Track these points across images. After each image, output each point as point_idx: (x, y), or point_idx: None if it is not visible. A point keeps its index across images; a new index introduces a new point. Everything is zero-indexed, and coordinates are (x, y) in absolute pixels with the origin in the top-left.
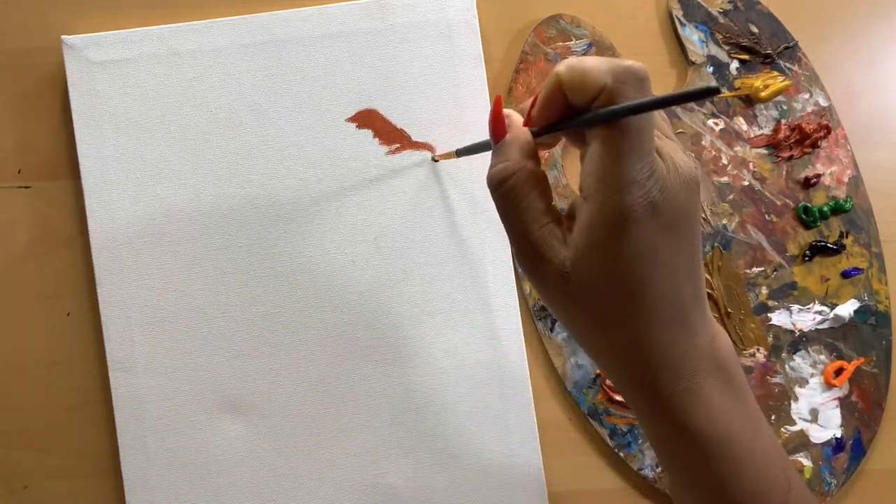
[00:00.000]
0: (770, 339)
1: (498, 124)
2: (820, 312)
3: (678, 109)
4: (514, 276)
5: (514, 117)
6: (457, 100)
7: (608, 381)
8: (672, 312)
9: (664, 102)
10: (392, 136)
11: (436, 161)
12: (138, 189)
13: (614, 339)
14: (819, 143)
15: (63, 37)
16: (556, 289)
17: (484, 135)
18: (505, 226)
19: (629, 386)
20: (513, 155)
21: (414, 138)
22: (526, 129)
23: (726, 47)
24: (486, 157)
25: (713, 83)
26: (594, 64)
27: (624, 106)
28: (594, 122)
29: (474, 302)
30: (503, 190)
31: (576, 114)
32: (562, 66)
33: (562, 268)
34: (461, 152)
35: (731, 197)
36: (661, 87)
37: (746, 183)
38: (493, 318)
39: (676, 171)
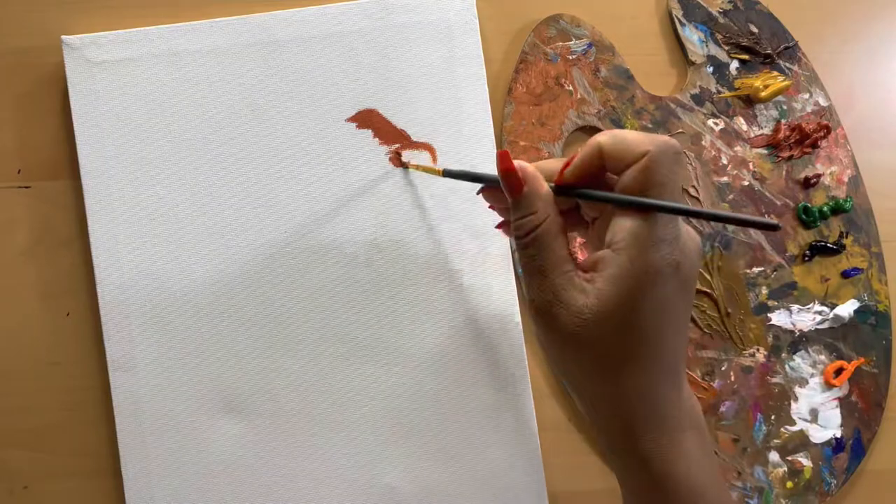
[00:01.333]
0: (770, 339)
1: (514, 179)
2: (820, 312)
3: (679, 109)
4: (514, 277)
5: (528, 169)
6: (457, 100)
7: None
8: (670, 366)
9: (696, 214)
10: (392, 136)
11: (405, 167)
12: (138, 189)
13: (615, 388)
14: (819, 143)
15: (63, 37)
16: (569, 335)
17: (480, 142)
18: (526, 272)
19: (617, 436)
20: (538, 206)
21: (414, 138)
22: (542, 179)
23: (726, 47)
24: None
25: (716, 85)
26: (635, 135)
27: (661, 203)
28: (629, 205)
29: (474, 302)
30: (529, 240)
31: (598, 185)
32: (603, 136)
33: (580, 314)
34: (451, 174)
35: (731, 197)
36: (661, 87)
37: (746, 183)
38: (494, 319)
39: (689, 236)
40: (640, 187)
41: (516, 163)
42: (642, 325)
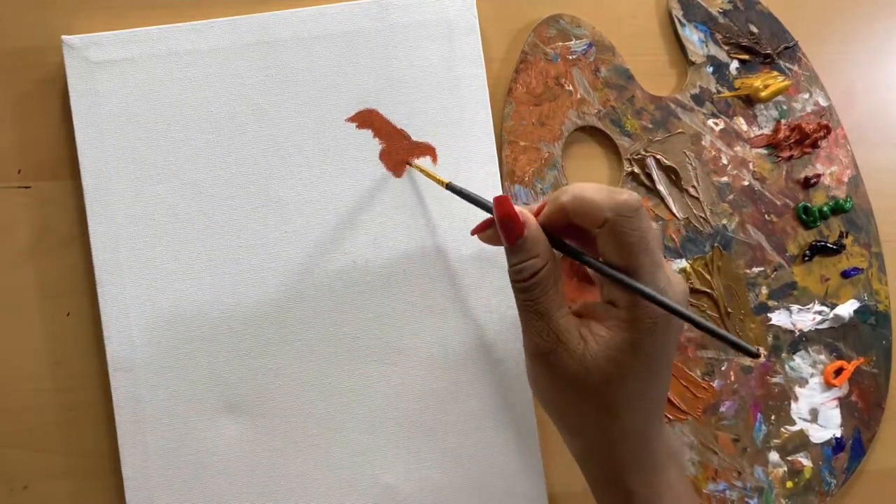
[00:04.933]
0: (770, 339)
1: (515, 223)
2: (820, 312)
3: (679, 109)
4: None
5: (527, 214)
6: (457, 100)
7: None
8: (658, 406)
9: (700, 326)
10: (392, 136)
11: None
12: (138, 189)
13: (612, 431)
14: (819, 143)
15: (63, 37)
16: (570, 379)
17: (480, 142)
18: (525, 316)
19: (608, 472)
20: (540, 251)
21: (414, 138)
22: (538, 226)
23: (726, 47)
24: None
25: (716, 85)
26: (594, 196)
27: (651, 294)
28: (608, 276)
29: (475, 301)
30: (531, 283)
31: (572, 232)
32: (566, 196)
33: (582, 359)
34: (454, 189)
35: (731, 197)
36: (661, 87)
37: (746, 183)
38: (494, 318)
39: (675, 281)
40: (615, 254)
41: (517, 208)
42: (639, 372)
